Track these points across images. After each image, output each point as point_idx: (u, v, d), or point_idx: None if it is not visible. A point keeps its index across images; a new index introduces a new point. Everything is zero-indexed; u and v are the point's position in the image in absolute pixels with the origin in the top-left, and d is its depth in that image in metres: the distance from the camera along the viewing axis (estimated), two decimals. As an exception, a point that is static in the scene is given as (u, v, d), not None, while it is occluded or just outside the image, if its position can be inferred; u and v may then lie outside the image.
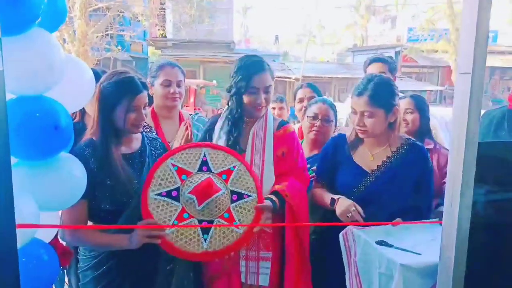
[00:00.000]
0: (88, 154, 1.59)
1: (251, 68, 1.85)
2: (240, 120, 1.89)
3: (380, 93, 1.74)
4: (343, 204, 1.72)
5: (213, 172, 1.70)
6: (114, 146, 1.63)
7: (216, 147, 1.79)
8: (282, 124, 2.01)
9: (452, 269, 1.17)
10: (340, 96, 17.87)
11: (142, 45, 21.41)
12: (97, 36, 12.69)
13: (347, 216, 1.69)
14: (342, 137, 1.96)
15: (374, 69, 2.64)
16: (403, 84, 17.99)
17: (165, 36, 19.81)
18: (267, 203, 1.77)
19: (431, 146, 2.30)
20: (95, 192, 1.59)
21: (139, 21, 15.43)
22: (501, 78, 21.95)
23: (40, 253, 1.30)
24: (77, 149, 1.61)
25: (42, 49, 1.25)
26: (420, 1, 21.95)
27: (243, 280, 1.82)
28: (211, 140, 1.92)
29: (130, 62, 19.36)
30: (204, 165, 1.72)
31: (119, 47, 14.08)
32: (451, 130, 1.17)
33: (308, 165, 2.14)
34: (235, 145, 1.87)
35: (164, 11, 18.16)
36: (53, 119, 1.28)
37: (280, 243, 1.85)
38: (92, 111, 1.70)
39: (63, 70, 1.33)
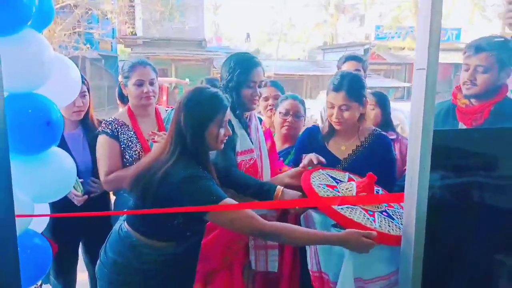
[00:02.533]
0: (209, 181, 1.51)
1: (248, 63, 1.93)
2: (242, 114, 1.98)
3: (355, 88, 1.90)
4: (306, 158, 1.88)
5: None
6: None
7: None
8: (260, 120, 2.17)
9: (413, 244, 1.32)
10: (312, 93, 18.14)
11: (111, 43, 21.01)
12: (65, 34, 12.47)
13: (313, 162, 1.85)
14: (316, 128, 2.13)
15: (349, 66, 2.78)
16: (372, 81, 18.45)
17: (135, 34, 19.52)
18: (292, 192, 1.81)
19: (393, 137, 2.49)
20: None
21: (108, 18, 15.20)
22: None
23: (35, 242, 1.37)
24: (181, 182, 1.45)
25: (33, 48, 1.33)
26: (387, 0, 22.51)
27: (253, 267, 1.92)
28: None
29: (99, 60, 19.02)
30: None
31: (88, 45, 13.84)
32: (409, 120, 1.31)
33: (281, 158, 2.32)
34: (250, 139, 1.96)
35: (134, 9, 17.90)
36: (45, 114, 1.35)
37: None
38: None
39: (52, 67, 1.40)
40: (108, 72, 19.50)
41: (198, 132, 1.52)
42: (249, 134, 1.99)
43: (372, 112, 2.60)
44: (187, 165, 1.49)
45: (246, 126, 1.98)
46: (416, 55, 1.28)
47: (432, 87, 1.26)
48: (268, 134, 2.21)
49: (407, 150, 1.33)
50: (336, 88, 1.90)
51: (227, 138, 1.63)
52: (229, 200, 1.46)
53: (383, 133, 2.07)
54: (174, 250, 1.57)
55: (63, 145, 2.09)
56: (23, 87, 1.35)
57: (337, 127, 1.97)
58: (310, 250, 1.72)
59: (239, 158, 1.90)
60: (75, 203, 2.07)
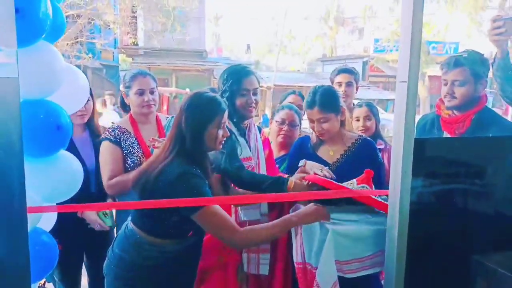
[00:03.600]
0: (201, 181, 1.59)
1: (240, 73, 2.05)
2: (240, 122, 2.09)
3: (326, 102, 2.04)
4: (312, 165, 1.98)
5: None
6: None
7: None
8: (259, 129, 2.29)
9: (396, 243, 1.41)
10: (310, 105, 18.21)
11: (113, 53, 21.21)
12: (68, 44, 12.60)
13: (320, 170, 1.94)
14: (307, 138, 2.26)
15: (342, 79, 2.92)
16: (371, 93, 18.62)
17: (137, 44, 19.72)
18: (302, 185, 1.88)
19: (382, 146, 2.61)
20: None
21: (110, 28, 15.37)
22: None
23: (43, 239, 1.47)
24: (182, 180, 1.54)
25: (47, 58, 1.44)
26: (386, 13, 22.81)
27: (245, 269, 2.01)
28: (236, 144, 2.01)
29: (101, 70, 19.19)
30: None
31: (90, 55, 13.94)
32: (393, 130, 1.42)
33: (277, 165, 2.43)
34: (249, 147, 2.07)
35: (136, 19, 18.11)
36: (56, 120, 1.46)
37: None
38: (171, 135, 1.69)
39: (63, 76, 1.51)
40: (110, 82, 19.64)
41: (198, 133, 1.62)
42: (248, 142, 2.08)
43: (369, 123, 2.72)
44: (183, 163, 1.59)
45: (244, 134, 2.08)
46: (398, 69, 1.38)
47: (413, 98, 1.36)
48: (267, 143, 2.33)
49: (391, 156, 1.43)
50: (310, 106, 2.06)
51: (225, 139, 1.72)
52: (216, 207, 1.57)
53: (369, 138, 2.20)
54: (175, 248, 1.66)
55: (72, 149, 2.17)
56: (36, 94, 1.46)
57: (321, 137, 2.11)
58: (296, 242, 1.81)
59: None
60: (94, 227, 2.22)
